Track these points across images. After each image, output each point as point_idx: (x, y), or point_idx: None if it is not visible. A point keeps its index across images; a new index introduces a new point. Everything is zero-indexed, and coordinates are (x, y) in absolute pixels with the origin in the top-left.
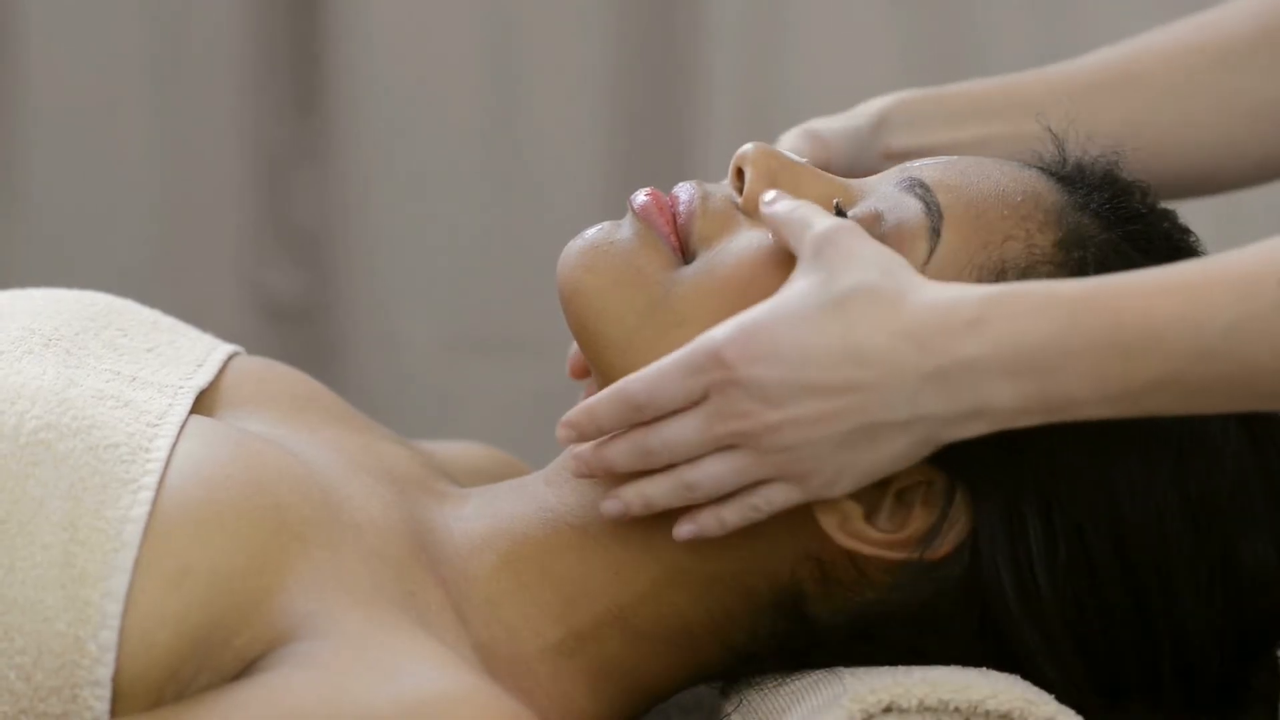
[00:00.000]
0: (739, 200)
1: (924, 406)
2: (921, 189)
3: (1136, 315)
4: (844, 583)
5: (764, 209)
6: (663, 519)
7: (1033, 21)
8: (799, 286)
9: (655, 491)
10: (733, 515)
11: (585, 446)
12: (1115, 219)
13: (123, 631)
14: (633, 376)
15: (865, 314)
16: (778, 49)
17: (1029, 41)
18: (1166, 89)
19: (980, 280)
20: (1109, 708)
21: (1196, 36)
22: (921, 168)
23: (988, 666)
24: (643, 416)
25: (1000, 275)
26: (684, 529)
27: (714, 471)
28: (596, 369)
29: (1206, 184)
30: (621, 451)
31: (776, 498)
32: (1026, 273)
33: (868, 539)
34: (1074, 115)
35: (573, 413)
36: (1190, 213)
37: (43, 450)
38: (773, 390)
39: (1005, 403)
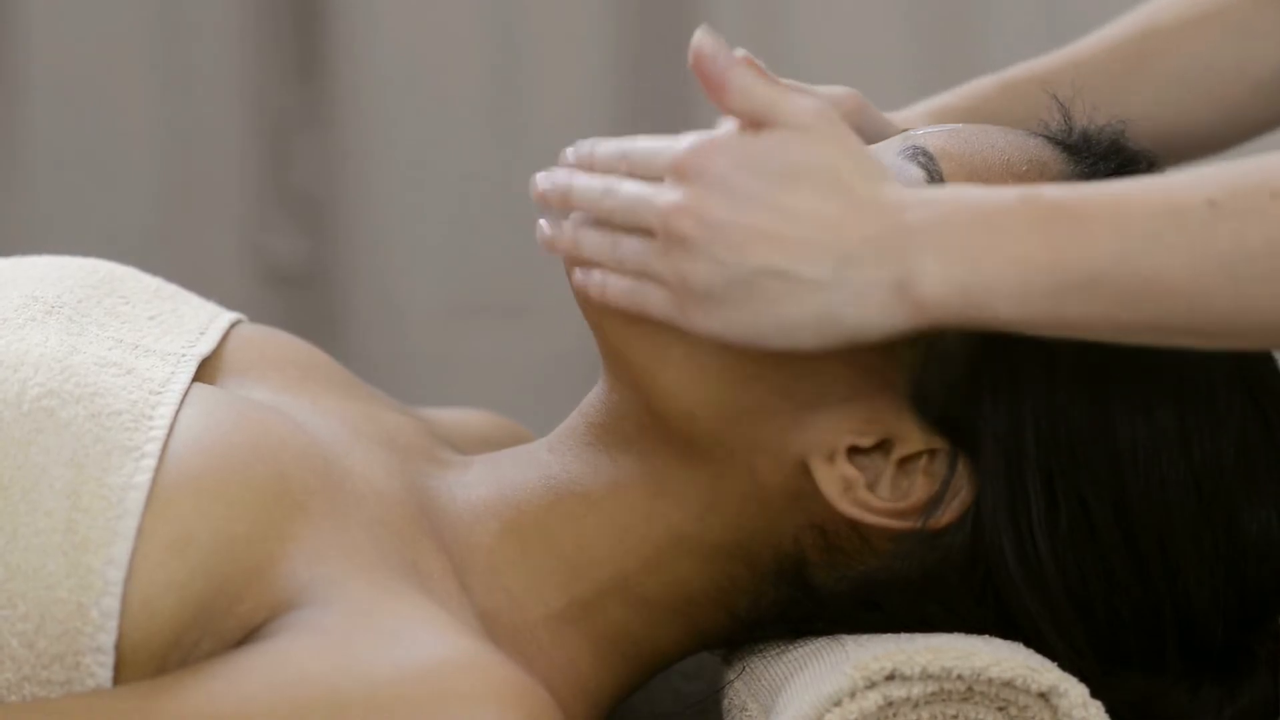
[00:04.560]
0: None
1: (847, 270)
2: (924, 157)
3: (1069, 211)
4: (847, 551)
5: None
6: (665, 490)
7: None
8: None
9: (587, 236)
10: (616, 290)
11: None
12: None
13: (125, 598)
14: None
15: (833, 174)
16: (782, 23)
17: (1034, 12)
18: (1177, 77)
19: None
20: (1112, 675)
21: (1197, 10)
22: (925, 135)
23: (991, 634)
24: (621, 165)
25: None
26: (578, 277)
27: (633, 245)
28: (600, 336)
29: (1193, 154)
30: (586, 182)
31: (654, 302)
32: None
33: (870, 508)
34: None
35: (579, 145)
36: None
37: (45, 417)
38: (726, 185)
39: (927, 280)
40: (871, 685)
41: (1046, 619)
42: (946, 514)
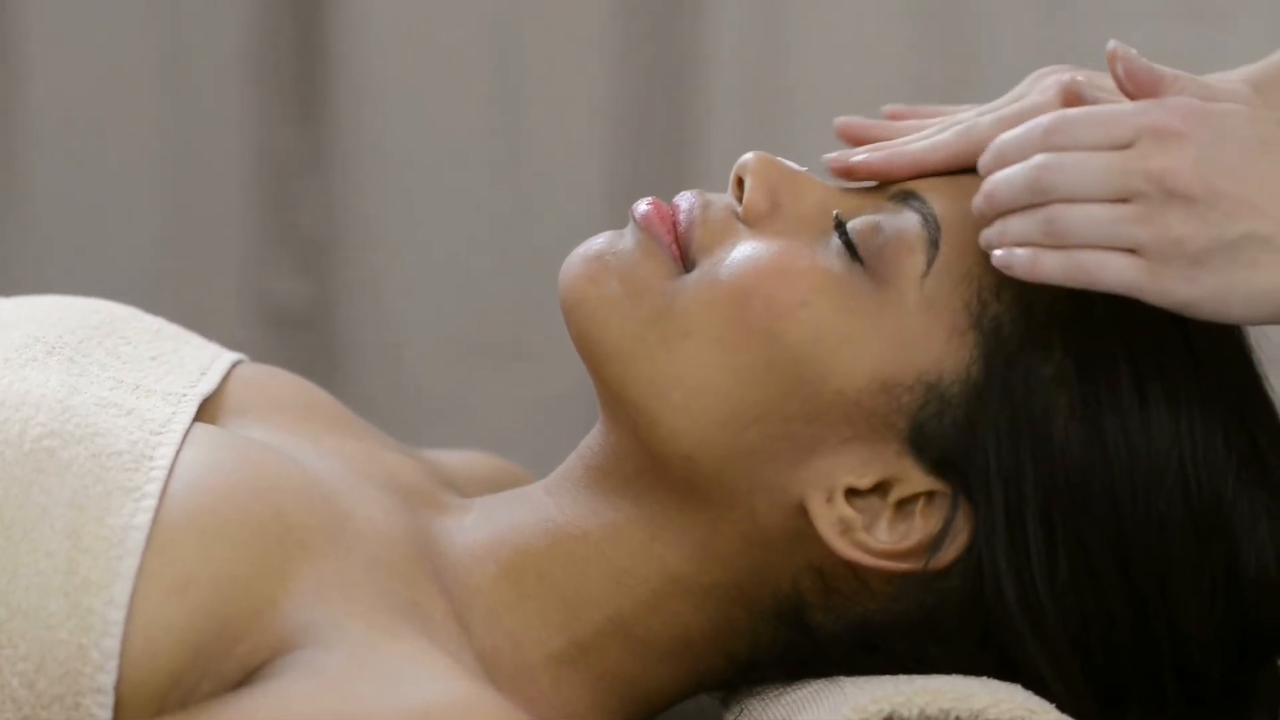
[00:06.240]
0: (739, 210)
1: None
2: (917, 201)
3: None
4: (845, 593)
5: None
6: (663, 532)
7: (1037, 15)
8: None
9: (1017, 225)
10: (1053, 265)
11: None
12: None
13: (125, 639)
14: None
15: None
16: (780, 56)
17: (1033, 35)
18: None
19: (980, 295)
20: (1111, 715)
21: None
22: (919, 180)
23: (989, 675)
24: (1043, 141)
25: (1000, 285)
26: (999, 254)
27: (1091, 213)
28: (598, 379)
29: None
30: (1021, 170)
31: (1112, 270)
32: (1028, 282)
33: (868, 549)
34: None
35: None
36: None
37: (46, 458)
38: (1217, 148)
39: None
40: None
41: (1046, 660)
42: (945, 556)
